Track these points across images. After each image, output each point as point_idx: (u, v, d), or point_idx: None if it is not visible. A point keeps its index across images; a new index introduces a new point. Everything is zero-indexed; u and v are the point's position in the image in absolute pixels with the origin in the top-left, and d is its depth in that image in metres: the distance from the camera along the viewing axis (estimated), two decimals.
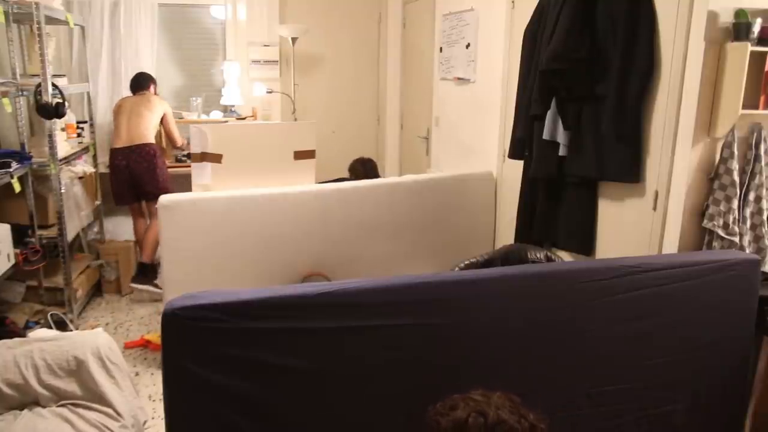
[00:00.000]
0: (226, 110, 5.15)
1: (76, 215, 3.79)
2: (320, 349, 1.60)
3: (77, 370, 2.25)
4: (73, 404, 2.21)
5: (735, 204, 2.29)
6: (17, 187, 3.07)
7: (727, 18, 2.23)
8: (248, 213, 3.03)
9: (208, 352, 1.52)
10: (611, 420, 1.88)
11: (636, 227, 2.60)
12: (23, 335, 2.95)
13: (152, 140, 4.10)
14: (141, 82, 4.31)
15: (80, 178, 4.00)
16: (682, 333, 1.93)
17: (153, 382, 3.04)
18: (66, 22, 3.79)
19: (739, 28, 2.20)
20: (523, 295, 1.77)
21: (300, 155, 3.47)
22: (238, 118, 5.08)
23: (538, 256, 2.71)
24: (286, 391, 1.59)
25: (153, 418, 2.72)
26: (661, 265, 1.90)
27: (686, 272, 1.91)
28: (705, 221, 2.35)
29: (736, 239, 2.30)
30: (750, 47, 2.16)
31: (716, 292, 1.95)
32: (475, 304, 1.72)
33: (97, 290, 4.19)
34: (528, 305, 1.77)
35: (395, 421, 1.65)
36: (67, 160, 3.69)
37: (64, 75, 4.00)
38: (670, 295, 1.89)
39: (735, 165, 2.28)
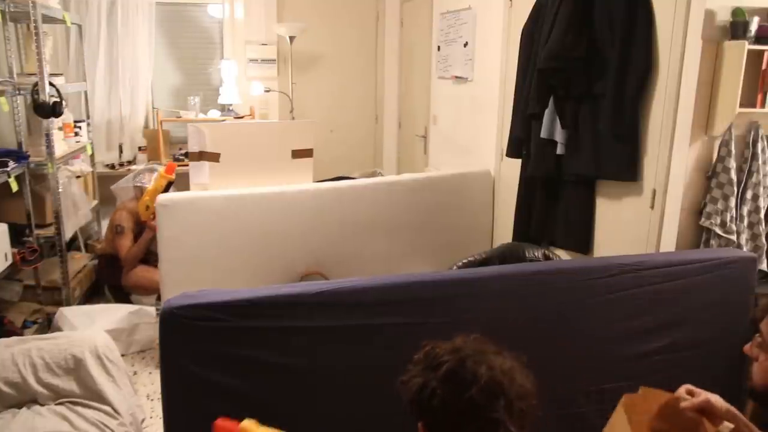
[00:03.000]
0: (224, 109, 5.14)
1: (73, 214, 3.78)
2: (317, 348, 1.60)
3: (75, 368, 2.25)
4: (71, 402, 2.21)
5: (732, 202, 2.30)
6: (14, 187, 3.07)
7: (724, 16, 2.24)
8: (246, 212, 3.03)
9: (206, 351, 1.52)
10: (609, 417, 1.88)
11: (634, 226, 2.60)
12: (21, 334, 2.95)
13: None
14: None
15: (78, 177, 4.00)
16: (678, 330, 1.93)
17: (151, 381, 3.04)
18: (63, 21, 3.78)
19: (737, 27, 2.20)
20: (520, 293, 1.77)
21: (298, 154, 3.47)
22: (235, 117, 5.08)
23: (536, 254, 2.72)
24: (283, 390, 1.59)
25: (151, 417, 2.71)
26: (658, 263, 1.90)
27: (683, 270, 1.91)
28: (702, 220, 2.36)
29: (734, 237, 2.30)
30: (747, 46, 2.16)
31: (713, 289, 1.96)
32: (472, 303, 1.73)
33: (94, 290, 4.18)
34: (525, 303, 1.78)
35: (394, 420, 1.65)
36: (65, 159, 3.68)
37: (61, 74, 3.98)
38: (667, 293, 1.90)
39: (732, 163, 2.29)
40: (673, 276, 1.90)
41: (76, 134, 4.05)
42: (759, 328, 1.38)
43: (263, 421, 1.61)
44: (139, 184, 3.77)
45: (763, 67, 2.25)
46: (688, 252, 2.34)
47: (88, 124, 4.44)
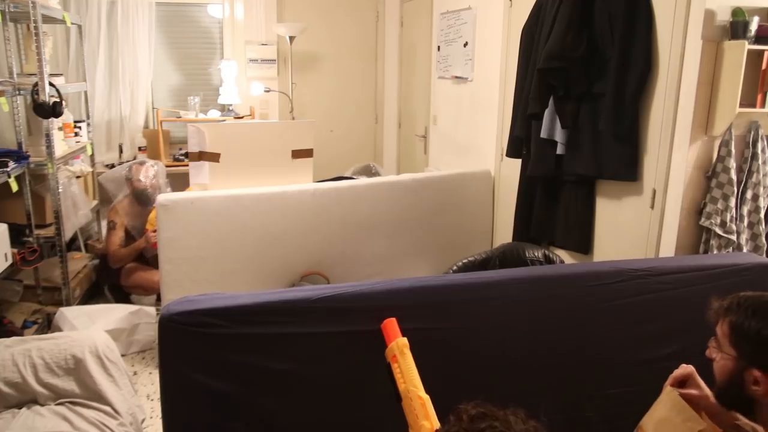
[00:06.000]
0: (224, 109, 5.14)
1: (73, 214, 3.78)
2: (317, 354, 1.58)
3: (75, 368, 2.25)
4: (71, 402, 2.21)
5: (732, 202, 2.30)
6: (14, 187, 3.06)
7: (724, 16, 2.24)
8: (246, 212, 3.03)
9: (206, 358, 1.51)
10: (614, 423, 1.86)
11: (634, 225, 2.60)
12: (21, 334, 2.95)
13: None
14: None
15: (78, 177, 4.00)
16: (688, 338, 1.86)
17: (151, 381, 3.04)
18: (63, 21, 3.78)
19: (736, 27, 2.20)
20: (527, 298, 1.74)
21: (298, 154, 3.47)
22: (235, 117, 5.08)
23: (536, 254, 2.72)
24: (284, 396, 1.57)
25: (151, 417, 2.71)
26: (670, 269, 1.86)
27: (695, 277, 1.86)
28: (702, 219, 2.36)
29: (734, 237, 2.30)
30: (747, 45, 2.16)
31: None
32: (476, 308, 1.70)
33: (94, 290, 4.18)
34: (532, 308, 1.75)
35: (396, 426, 1.64)
36: (65, 159, 3.68)
37: (61, 74, 3.98)
38: (678, 300, 1.85)
39: (732, 163, 2.29)
40: (685, 282, 1.85)
41: (76, 134, 4.04)
42: (714, 331, 1.40)
43: (263, 426, 1.60)
44: (129, 177, 3.81)
45: (763, 67, 2.25)
46: (700, 257, 2.29)
47: (88, 124, 4.44)
